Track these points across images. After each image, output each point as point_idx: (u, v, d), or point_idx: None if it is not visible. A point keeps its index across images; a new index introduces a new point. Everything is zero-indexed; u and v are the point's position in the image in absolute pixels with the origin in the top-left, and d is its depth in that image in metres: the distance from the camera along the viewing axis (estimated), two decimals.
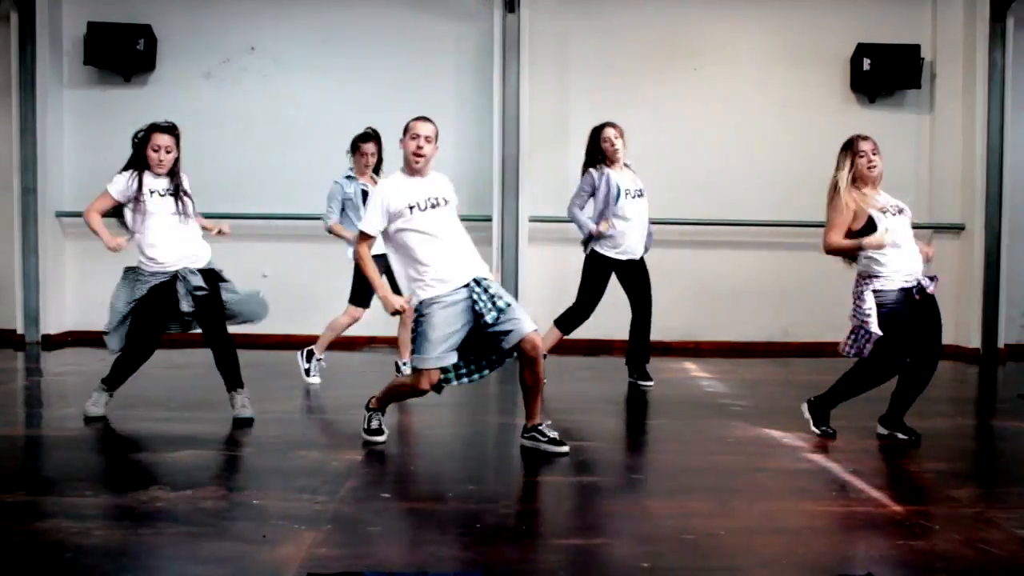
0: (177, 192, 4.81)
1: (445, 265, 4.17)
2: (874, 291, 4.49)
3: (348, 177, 6.09)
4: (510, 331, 4.11)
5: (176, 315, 4.83)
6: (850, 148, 4.61)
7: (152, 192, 4.78)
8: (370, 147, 6.07)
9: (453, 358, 4.17)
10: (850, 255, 4.63)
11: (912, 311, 4.50)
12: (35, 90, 7.93)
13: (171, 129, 4.84)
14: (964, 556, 3.00)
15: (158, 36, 8.19)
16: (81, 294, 8.33)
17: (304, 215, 7.96)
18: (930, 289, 4.50)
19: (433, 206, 4.22)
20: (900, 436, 4.61)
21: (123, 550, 2.96)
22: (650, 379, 6.17)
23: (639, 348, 6.18)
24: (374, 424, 4.47)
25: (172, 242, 4.78)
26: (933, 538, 3.16)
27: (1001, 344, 8.08)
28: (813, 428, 4.74)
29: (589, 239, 6.02)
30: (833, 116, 8.11)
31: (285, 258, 8.16)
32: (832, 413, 4.77)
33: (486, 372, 4.31)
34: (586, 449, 4.58)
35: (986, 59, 7.99)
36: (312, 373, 6.20)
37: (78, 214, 8.24)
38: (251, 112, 8.22)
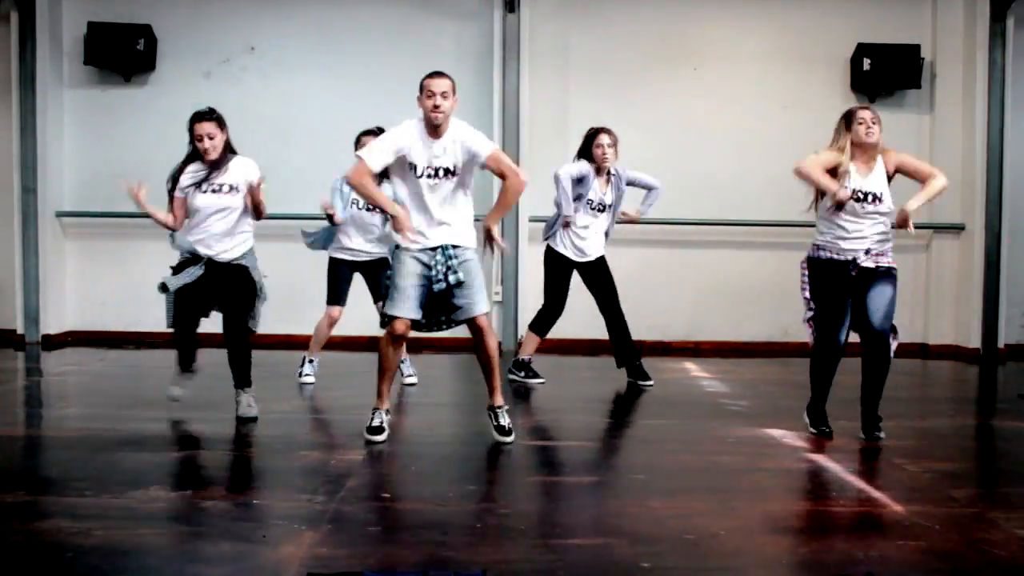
0: (219, 187, 4.79)
1: (423, 227, 4.33)
2: (808, 258, 4.67)
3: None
4: (460, 307, 4.34)
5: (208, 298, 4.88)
6: (848, 117, 4.61)
7: (192, 185, 4.81)
8: (370, 140, 6.00)
9: (418, 314, 4.34)
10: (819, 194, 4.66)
11: (849, 287, 4.52)
12: (35, 90, 7.93)
13: (208, 114, 4.83)
14: (964, 556, 3.00)
15: (158, 36, 8.19)
16: (81, 294, 8.34)
17: (304, 215, 7.95)
18: (864, 263, 4.49)
19: (431, 175, 4.30)
20: (861, 435, 4.63)
21: (123, 550, 2.95)
22: (648, 378, 6.16)
23: (623, 348, 6.16)
24: (375, 422, 4.48)
25: (204, 233, 4.81)
26: (933, 538, 3.16)
27: (1001, 344, 8.08)
28: (810, 429, 4.74)
29: (554, 223, 6.17)
30: (833, 116, 7.95)
31: (285, 258, 8.13)
32: (831, 412, 4.77)
33: (453, 326, 4.50)
34: (586, 449, 4.58)
35: (986, 59, 7.99)
36: (304, 373, 6.22)
37: (78, 214, 8.36)
38: (251, 112, 8.21)
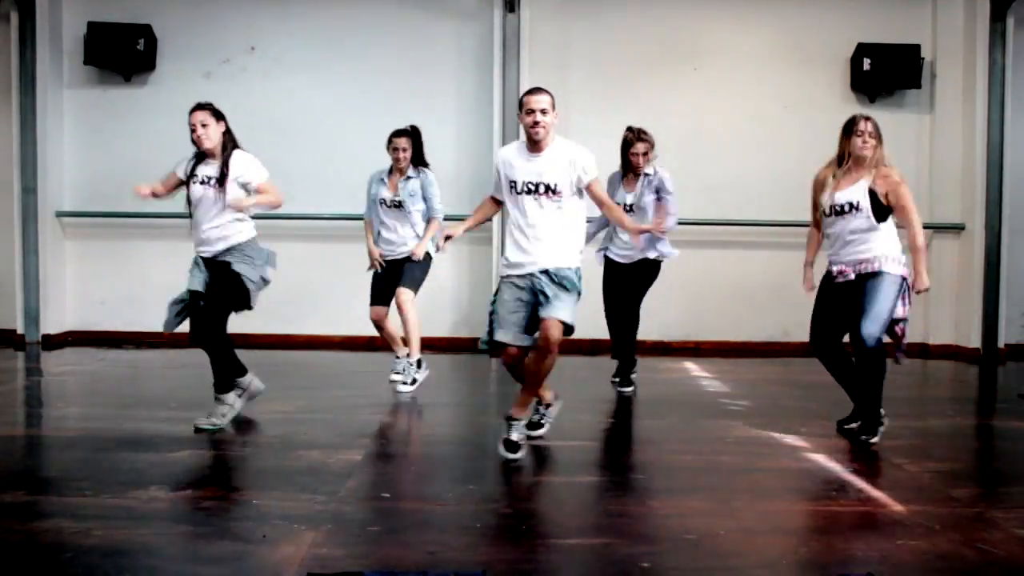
0: (221, 180, 4.76)
1: (520, 251, 4.18)
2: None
3: (382, 176, 6.08)
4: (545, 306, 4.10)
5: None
6: (849, 126, 4.64)
7: (195, 178, 4.80)
8: (401, 142, 5.95)
9: (525, 340, 4.14)
10: None
11: (835, 295, 4.67)
12: (35, 90, 7.93)
13: (203, 104, 4.81)
14: (964, 556, 3.00)
15: (158, 36, 8.19)
16: (81, 294, 8.34)
17: (304, 215, 7.98)
18: (838, 277, 4.62)
19: (529, 191, 4.17)
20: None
21: (123, 550, 2.95)
22: (630, 385, 6.13)
23: (625, 349, 6.13)
24: (513, 436, 4.25)
25: (202, 227, 4.80)
26: (933, 538, 3.16)
27: (1001, 344, 8.08)
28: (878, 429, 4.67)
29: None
30: (833, 116, 7.94)
31: (285, 258, 8.11)
32: (831, 413, 4.78)
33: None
34: (586, 449, 4.58)
35: (986, 59, 7.98)
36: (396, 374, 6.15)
37: (78, 214, 8.36)
38: (251, 112, 8.18)
